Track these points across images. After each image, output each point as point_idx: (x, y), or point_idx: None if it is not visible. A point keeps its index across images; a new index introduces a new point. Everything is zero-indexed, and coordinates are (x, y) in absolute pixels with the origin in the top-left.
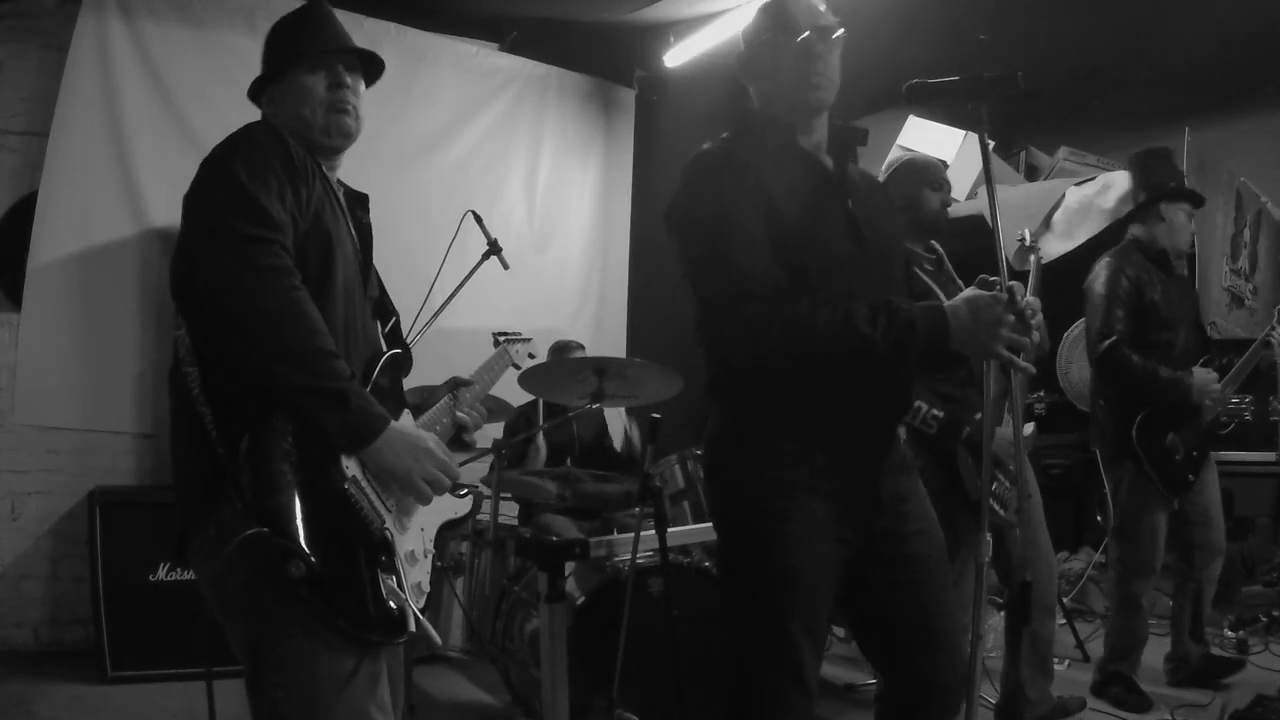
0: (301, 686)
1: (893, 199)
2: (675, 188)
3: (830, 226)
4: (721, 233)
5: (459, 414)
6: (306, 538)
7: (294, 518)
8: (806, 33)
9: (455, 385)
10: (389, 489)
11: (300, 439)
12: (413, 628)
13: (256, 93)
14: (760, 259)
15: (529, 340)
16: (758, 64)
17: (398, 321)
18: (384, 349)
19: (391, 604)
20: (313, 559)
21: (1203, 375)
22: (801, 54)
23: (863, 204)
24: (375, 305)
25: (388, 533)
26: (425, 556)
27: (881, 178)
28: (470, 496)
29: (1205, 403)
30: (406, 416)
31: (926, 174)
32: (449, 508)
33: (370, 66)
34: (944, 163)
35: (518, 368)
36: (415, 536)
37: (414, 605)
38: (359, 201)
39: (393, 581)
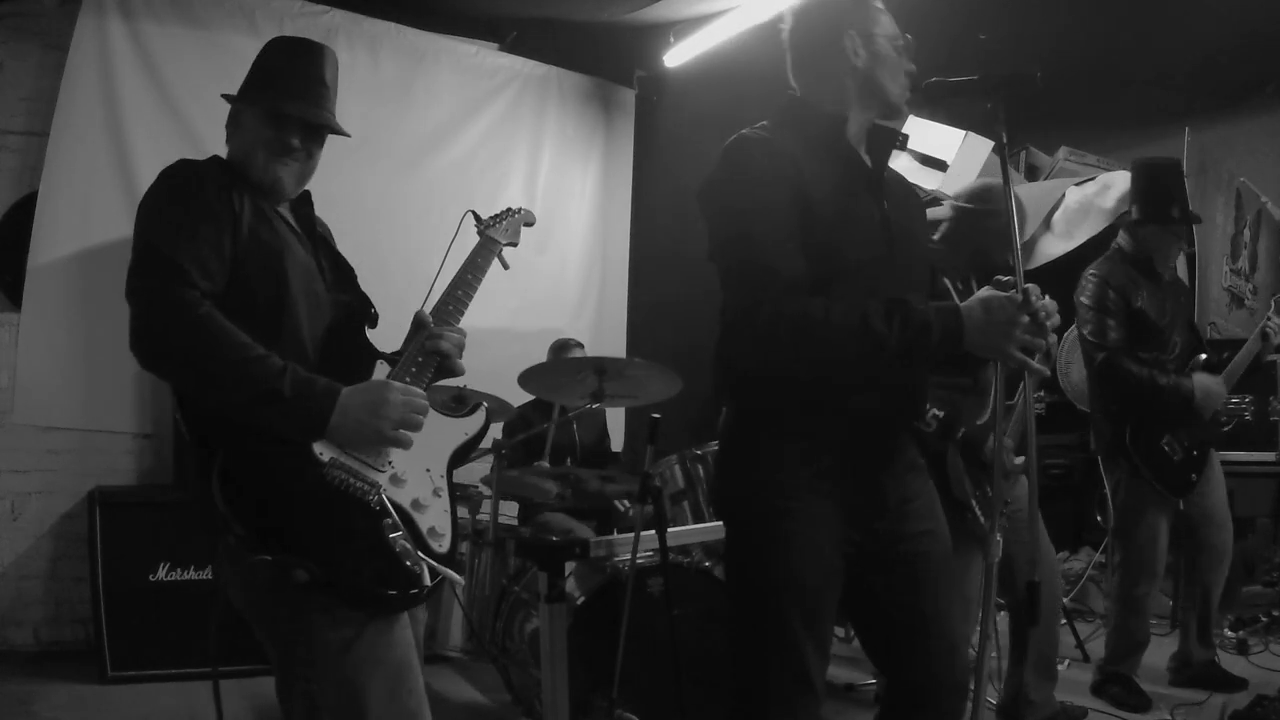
0: (332, 675)
1: (922, 209)
2: (712, 168)
3: (864, 224)
4: (753, 229)
5: (431, 344)
6: (305, 542)
7: (286, 531)
8: (908, 36)
9: (417, 325)
10: (372, 451)
11: (263, 448)
12: (428, 581)
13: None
14: (787, 257)
15: (518, 212)
16: (829, 59)
17: (354, 277)
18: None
19: (407, 562)
20: (315, 562)
21: (1204, 380)
22: (903, 51)
23: (897, 207)
24: (341, 276)
25: (383, 495)
26: (438, 495)
27: (968, 199)
28: (480, 411)
29: (1208, 406)
30: (380, 368)
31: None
32: (454, 436)
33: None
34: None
35: (514, 245)
36: (419, 481)
37: (435, 550)
38: (302, 200)
39: (403, 539)
